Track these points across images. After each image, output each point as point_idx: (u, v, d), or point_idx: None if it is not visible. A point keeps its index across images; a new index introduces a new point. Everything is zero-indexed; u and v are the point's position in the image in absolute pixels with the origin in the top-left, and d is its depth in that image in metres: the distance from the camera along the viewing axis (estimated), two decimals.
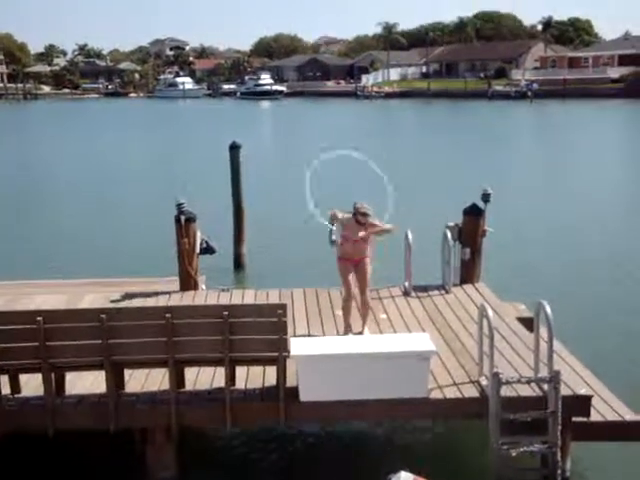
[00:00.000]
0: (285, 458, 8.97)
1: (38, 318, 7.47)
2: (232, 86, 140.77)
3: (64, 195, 29.76)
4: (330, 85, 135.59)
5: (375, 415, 8.15)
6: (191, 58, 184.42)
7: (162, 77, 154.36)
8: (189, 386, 8.13)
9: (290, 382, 7.88)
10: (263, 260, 17.81)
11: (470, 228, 11.82)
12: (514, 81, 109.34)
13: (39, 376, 7.75)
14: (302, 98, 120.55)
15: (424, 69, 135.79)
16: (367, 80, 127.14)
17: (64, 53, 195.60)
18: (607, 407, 8.17)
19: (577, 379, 8.38)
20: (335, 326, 10.10)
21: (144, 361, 7.88)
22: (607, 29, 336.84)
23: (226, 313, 7.57)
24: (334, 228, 9.85)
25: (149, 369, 8.28)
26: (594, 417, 7.93)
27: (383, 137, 55.12)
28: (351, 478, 8.56)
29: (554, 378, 7.57)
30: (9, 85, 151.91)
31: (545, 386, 7.79)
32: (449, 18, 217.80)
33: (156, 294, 11.56)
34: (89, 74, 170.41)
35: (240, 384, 8.12)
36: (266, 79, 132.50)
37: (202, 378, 8.30)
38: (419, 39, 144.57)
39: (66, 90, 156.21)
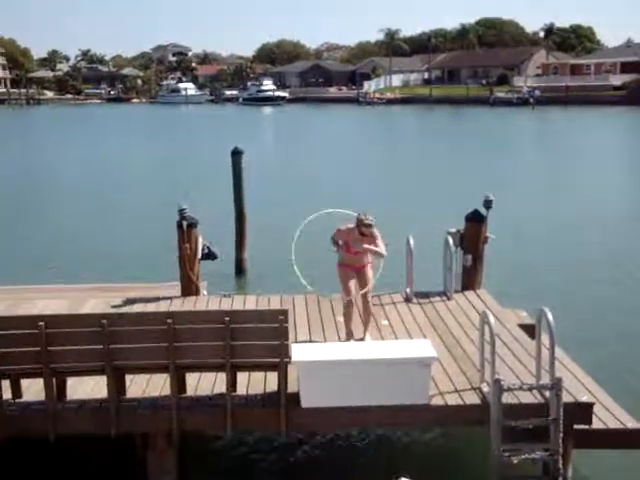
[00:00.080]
0: (286, 464, 8.96)
1: (40, 323, 7.47)
2: (234, 92, 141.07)
3: (66, 200, 29.79)
4: (332, 91, 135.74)
5: (376, 421, 8.13)
6: (194, 64, 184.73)
7: (165, 83, 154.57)
8: (190, 391, 8.12)
9: (291, 388, 7.87)
10: (264, 266, 17.80)
11: (472, 234, 11.81)
12: (516, 88, 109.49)
13: (40, 381, 7.74)
14: (304, 104, 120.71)
15: (426, 75, 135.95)
16: (369, 86, 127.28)
17: (67, 58, 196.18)
18: (609, 415, 8.15)
19: (579, 386, 8.37)
20: (336, 332, 10.10)
21: (145, 366, 7.87)
22: (609, 36, 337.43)
23: (227, 319, 7.56)
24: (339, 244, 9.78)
25: (150, 374, 8.27)
26: (596, 425, 7.92)
27: (385, 143, 55.20)
28: None
29: (556, 385, 7.56)
30: (12, 90, 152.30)
31: (547, 393, 7.77)
32: (451, 25, 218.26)
33: (157, 299, 11.56)
34: (92, 79, 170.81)
35: (241, 390, 8.11)
36: (268, 85, 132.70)
37: (203, 384, 8.29)
38: (421, 45, 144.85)
39: (69, 95, 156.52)
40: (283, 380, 7.76)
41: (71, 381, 8.11)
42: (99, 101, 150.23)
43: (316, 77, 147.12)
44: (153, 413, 7.84)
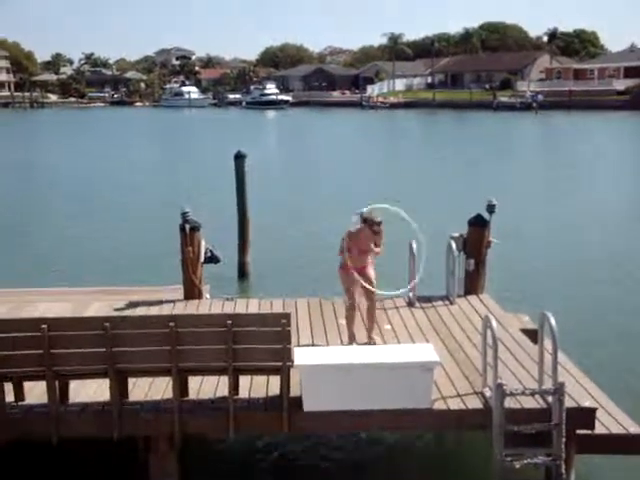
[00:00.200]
0: (288, 467, 8.96)
1: (43, 326, 7.48)
2: (238, 96, 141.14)
3: (69, 203, 29.82)
4: (335, 95, 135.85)
5: (378, 425, 8.12)
6: (197, 68, 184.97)
7: (168, 86, 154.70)
8: (192, 395, 8.13)
9: (294, 392, 7.87)
10: (267, 269, 17.82)
11: (475, 239, 11.81)
12: (519, 92, 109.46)
13: (43, 384, 7.75)
14: (307, 108, 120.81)
15: (429, 80, 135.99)
16: (372, 90, 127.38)
17: (71, 62, 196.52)
18: (611, 420, 8.13)
19: (581, 391, 8.36)
20: (339, 336, 10.09)
21: (148, 369, 7.87)
22: (613, 41, 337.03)
23: (230, 322, 7.57)
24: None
25: (153, 377, 8.27)
26: (598, 430, 7.90)
27: (388, 147, 55.25)
28: None
29: (558, 390, 7.55)
30: (16, 94, 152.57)
31: (549, 398, 7.76)
32: (455, 29, 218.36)
33: (160, 303, 11.56)
34: (95, 83, 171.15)
35: (244, 393, 8.11)
36: (272, 89, 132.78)
37: (205, 387, 8.29)
38: (424, 50, 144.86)
39: (72, 99, 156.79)
40: (285, 384, 7.76)
41: (74, 384, 8.11)
42: (102, 104, 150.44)
43: (319, 81, 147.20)
44: (155, 416, 7.84)
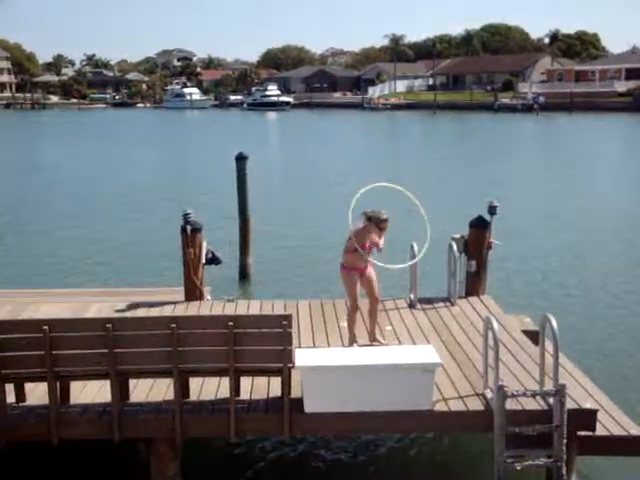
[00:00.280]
0: (289, 469, 8.96)
1: (44, 327, 7.48)
2: (239, 97, 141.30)
3: (70, 204, 29.83)
4: (337, 97, 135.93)
5: (379, 427, 8.11)
6: (198, 69, 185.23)
7: (169, 88, 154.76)
8: (193, 396, 8.12)
9: (295, 393, 7.87)
10: (268, 271, 17.83)
11: (476, 240, 11.80)
12: (521, 94, 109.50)
13: (44, 385, 7.75)
14: (309, 109, 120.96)
15: (431, 81, 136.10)
16: (373, 92, 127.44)
17: (72, 63, 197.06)
18: (613, 421, 8.12)
19: (583, 393, 8.35)
20: (340, 337, 10.09)
21: (149, 371, 7.87)
22: (613, 42, 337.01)
23: (231, 323, 7.56)
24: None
25: (154, 379, 8.27)
26: (599, 431, 7.89)
27: (389, 149, 55.27)
28: None
29: (559, 392, 7.55)
30: (17, 95, 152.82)
31: (550, 399, 7.76)
32: (456, 30, 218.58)
33: (161, 304, 11.56)
34: (97, 84, 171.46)
35: (245, 395, 8.11)
36: (273, 90, 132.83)
37: (206, 388, 8.29)
38: (426, 51, 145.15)
39: (74, 100, 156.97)
40: (286, 385, 7.75)
41: (74, 385, 8.11)
42: (104, 106, 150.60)
43: (321, 82, 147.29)
44: (156, 418, 7.84)
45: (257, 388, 8.27)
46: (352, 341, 9.74)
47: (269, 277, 17.35)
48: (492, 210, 11.70)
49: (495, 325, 8.04)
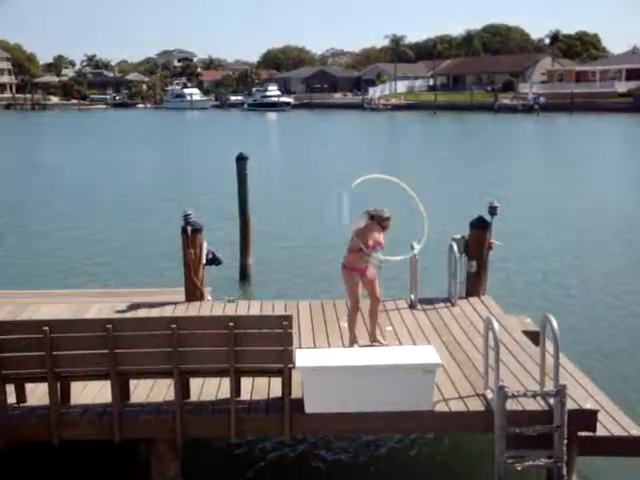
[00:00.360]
0: (289, 469, 8.96)
1: (44, 328, 7.48)
2: (239, 97, 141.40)
3: (71, 204, 29.84)
4: (337, 97, 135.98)
5: (380, 427, 8.12)
6: (199, 69, 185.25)
7: (170, 88, 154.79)
8: (194, 397, 8.12)
9: (295, 394, 7.87)
10: (269, 271, 17.83)
11: (476, 241, 11.80)
12: (521, 94, 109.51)
13: (44, 385, 7.75)
14: (309, 110, 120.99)
15: (431, 82, 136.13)
16: (374, 92, 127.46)
17: (72, 64, 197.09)
18: (613, 422, 8.13)
19: (583, 393, 8.35)
20: (341, 338, 10.09)
21: (149, 371, 7.87)
22: (615, 43, 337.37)
23: (232, 324, 7.57)
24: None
25: (154, 379, 8.28)
26: (600, 432, 7.89)
27: (389, 149, 55.26)
28: None
29: (560, 392, 7.55)
30: (17, 95, 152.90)
31: (551, 400, 7.76)
32: (456, 31, 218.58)
33: (162, 304, 11.56)
34: (97, 85, 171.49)
35: (245, 395, 8.11)
36: (273, 91, 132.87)
37: (207, 389, 8.29)
38: (426, 52, 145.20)
39: (74, 101, 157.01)
40: (287, 386, 7.76)
41: (75, 386, 8.11)
42: (104, 106, 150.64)
43: (321, 83, 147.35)
44: (157, 418, 7.84)
45: (257, 389, 8.27)
46: (352, 342, 9.74)
47: (269, 277, 17.35)
48: (492, 211, 11.70)
49: (495, 325, 8.04)
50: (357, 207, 9.52)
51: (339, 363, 7.88)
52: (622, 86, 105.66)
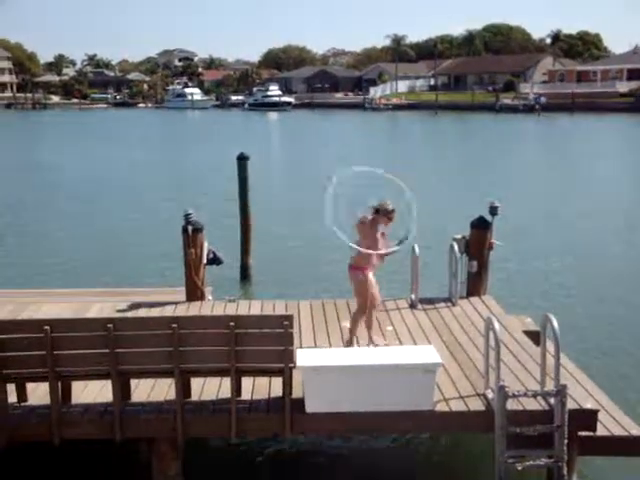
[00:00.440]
0: (290, 469, 8.96)
1: (45, 327, 7.49)
2: (240, 97, 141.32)
3: (72, 204, 29.85)
4: (338, 97, 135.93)
5: (380, 427, 8.12)
6: (200, 69, 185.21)
7: (170, 88, 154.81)
8: (195, 396, 8.13)
9: (296, 393, 7.87)
10: (270, 271, 17.83)
11: (477, 241, 11.81)
12: (522, 94, 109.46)
13: (45, 385, 7.76)
14: (310, 109, 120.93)
15: (432, 81, 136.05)
16: (375, 92, 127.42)
17: (73, 63, 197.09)
18: (613, 422, 8.13)
19: (583, 393, 8.36)
20: (341, 338, 10.09)
21: (150, 371, 7.88)
22: (616, 43, 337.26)
23: (232, 324, 7.57)
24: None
25: (155, 379, 8.28)
26: (600, 431, 7.90)
27: (391, 149, 55.22)
28: None
29: (560, 392, 7.55)
30: (18, 95, 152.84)
31: (551, 400, 7.77)
32: (457, 31, 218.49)
33: (163, 304, 11.57)
34: (98, 84, 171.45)
35: (246, 395, 8.11)
36: (274, 90, 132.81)
37: (208, 389, 8.30)
38: (427, 51, 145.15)
39: (75, 100, 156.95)
40: (287, 385, 7.76)
41: (76, 385, 8.12)
42: (105, 106, 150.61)
43: (322, 83, 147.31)
44: (158, 418, 7.85)
45: (258, 388, 8.28)
46: (350, 343, 9.70)
47: (270, 277, 17.35)
48: (493, 210, 11.71)
49: (496, 325, 8.04)
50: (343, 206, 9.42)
51: (340, 363, 7.88)
52: (623, 86, 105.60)
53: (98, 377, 7.90)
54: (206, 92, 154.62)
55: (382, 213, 9.49)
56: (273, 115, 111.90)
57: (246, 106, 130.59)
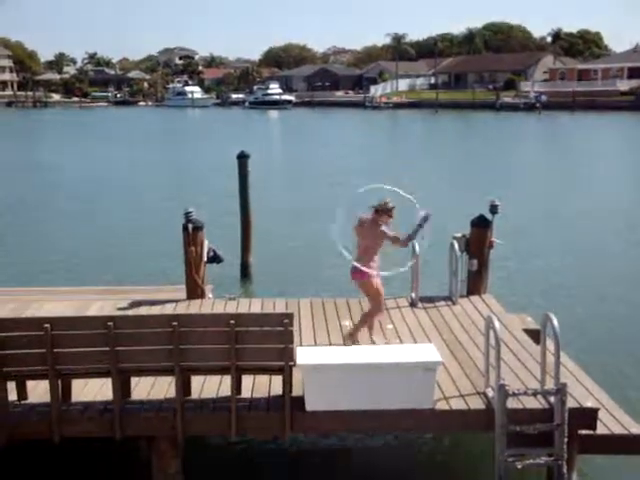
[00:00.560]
0: (290, 467, 8.97)
1: (45, 325, 7.49)
2: (241, 95, 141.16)
3: (72, 202, 29.84)
4: (339, 95, 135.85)
5: (381, 425, 8.12)
6: (200, 67, 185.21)
7: (171, 86, 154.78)
8: (195, 394, 8.13)
9: (296, 391, 7.88)
10: (270, 269, 17.83)
11: (477, 239, 11.81)
12: (523, 93, 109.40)
13: (46, 383, 7.76)
14: (310, 108, 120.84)
15: (432, 80, 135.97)
16: (375, 90, 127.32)
17: (74, 61, 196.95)
18: (613, 420, 8.14)
19: (583, 392, 8.36)
20: (341, 336, 10.09)
21: (150, 369, 7.88)
22: (616, 41, 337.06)
23: (233, 322, 7.57)
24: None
25: (155, 377, 8.28)
26: (600, 430, 7.90)
27: (391, 147, 55.23)
28: None
29: (560, 390, 7.55)
30: (19, 93, 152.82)
31: (551, 398, 7.77)
32: (458, 29, 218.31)
33: (163, 302, 11.57)
34: (98, 82, 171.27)
35: (246, 393, 8.12)
36: (275, 89, 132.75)
37: (208, 387, 8.30)
38: (428, 50, 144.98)
39: (75, 98, 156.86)
40: (288, 384, 7.76)
41: (76, 383, 8.12)
42: (105, 104, 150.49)
43: (323, 81, 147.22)
44: (158, 416, 7.85)
45: (258, 386, 8.28)
46: (355, 341, 9.70)
47: (270, 275, 17.35)
48: (493, 209, 11.70)
49: (496, 324, 8.05)
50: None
51: (340, 361, 7.88)
52: (624, 84, 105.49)
53: (98, 375, 7.90)
54: (206, 90, 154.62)
55: (382, 211, 9.50)
56: (273, 113, 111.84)
57: (246, 104, 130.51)
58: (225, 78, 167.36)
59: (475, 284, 11.98)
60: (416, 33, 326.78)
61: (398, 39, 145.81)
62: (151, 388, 8.29)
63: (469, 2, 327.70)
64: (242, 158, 17.22)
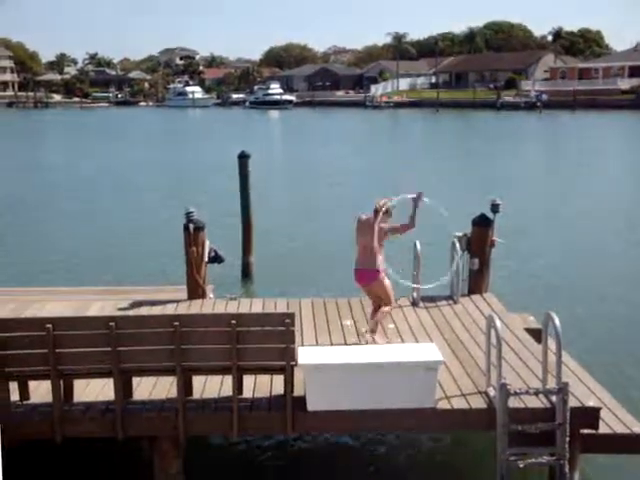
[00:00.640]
0: (292, 467, 8.97)
1: (47, 325, 7.49)
2: (241, 95, 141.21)
3: (73, 202, 29.86)
4: (339, 95, 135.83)
5: (382, 425, 8.12)
6: (201, 67, 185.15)
7: (172, 86, 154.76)
8: (196, 394, 8.13)
9: (297, 391, 7.87)
10: (271, 269, 17.82)
11: (479, 238, 11.81)
12: (524, 92, 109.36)
13: (48, 383, 7.76)
14: (311, 108, 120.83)
15: (433, 79, 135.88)
16: (376, 90, 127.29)
17: (75, 62, 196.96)
18: (615, 419, 8.13)
19: (585, 391, 8.35)
20: (343, 336, 10.09)
21: (152, 369, 7.88)
22: (617, 40, 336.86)
23: (234, 322, 7.57)
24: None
25: (157, 377, 8.28)
26: (602, 429, 7.89)
27: (392, 146, 55.21)
28: None
29: (562, 390, 7.54)
30: (20, 93, 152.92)
31: (553, 398, 7.76)
32: (459, 28, 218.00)
33: (164, 302, 11.57)
34: (99, 83, 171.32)
35: (247, 393, 8.12)
36: (275, 89, 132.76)
37: (209, 386, 8.30)
38: (429, 49, 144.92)
39: (76, 99, 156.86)
40: (289, 383, 7.76)
41: (78, 383, 8.12)
42: (106, 104, 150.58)
43: (323, 81, 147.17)
44: (159, 416, 7.85)
45: (260, 386, 8.28)
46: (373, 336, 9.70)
47: (272, 275, 17.34)
48: (495, 208, 11.70)
49: (498, 323, 8.04)
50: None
51: (341, 361, 7.88)
52: (625, 83, 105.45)
53: (100, 375, 7.90)
54: (207, 90, 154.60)
55: (385, 211, 9.55)
56: (274, 113, 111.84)
57: (247, 104, 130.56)
58: (226, 78, 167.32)
59: (476, 283, 11.98)
60: (417, 32, 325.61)
61: (399, 38, 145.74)
62: (153, 388, 8.29)
63: (470, 1, 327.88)
64: (243, 158, 17.20)
